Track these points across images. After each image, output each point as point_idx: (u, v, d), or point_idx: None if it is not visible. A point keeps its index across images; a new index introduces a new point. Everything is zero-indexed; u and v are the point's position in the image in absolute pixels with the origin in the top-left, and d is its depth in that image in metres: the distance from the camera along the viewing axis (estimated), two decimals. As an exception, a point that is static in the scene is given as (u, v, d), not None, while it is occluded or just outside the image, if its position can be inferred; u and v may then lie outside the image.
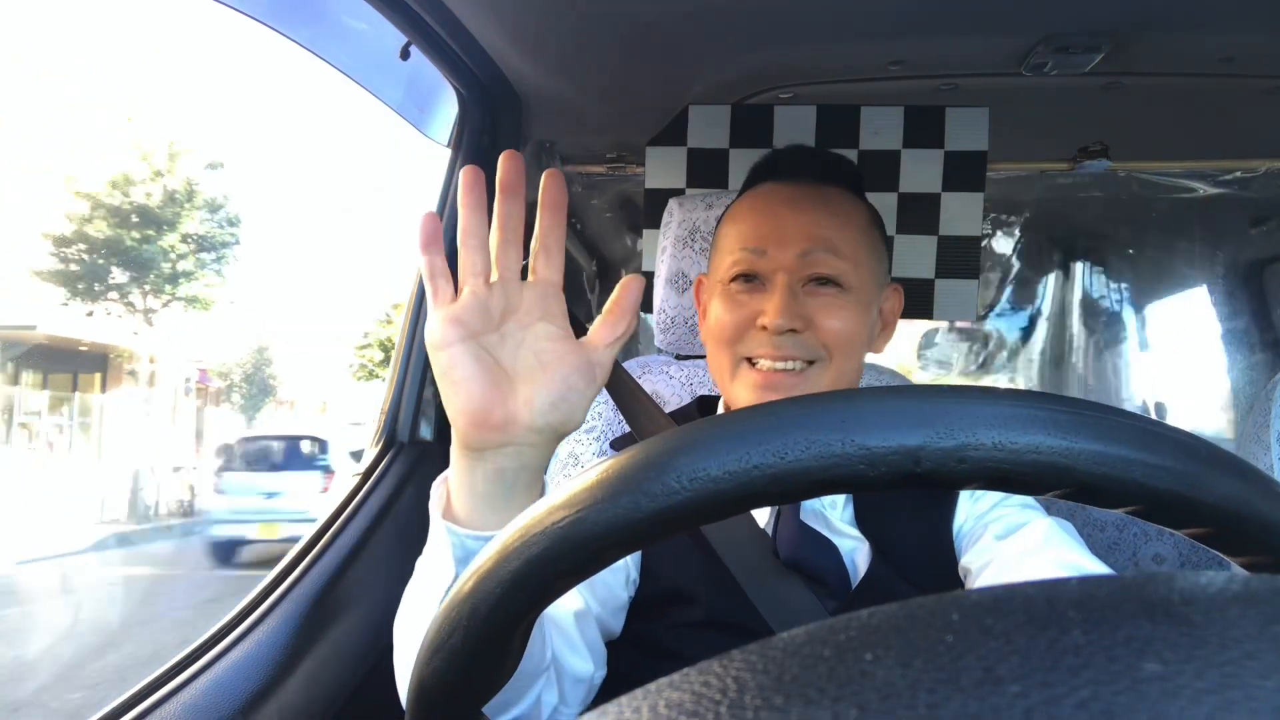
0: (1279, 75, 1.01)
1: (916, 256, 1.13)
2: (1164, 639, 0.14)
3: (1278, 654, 0.14)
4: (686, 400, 0.97)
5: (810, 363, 0.74)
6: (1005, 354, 2.30)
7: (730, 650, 0.17)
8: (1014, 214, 1.79)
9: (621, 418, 0.99)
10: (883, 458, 0.27)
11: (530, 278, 0.53)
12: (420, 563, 0.53)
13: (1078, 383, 2.08)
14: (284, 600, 0.86)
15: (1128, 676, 0.13)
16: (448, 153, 1.14)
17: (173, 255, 12.38)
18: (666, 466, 0.27)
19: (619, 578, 0.75)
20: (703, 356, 1.05)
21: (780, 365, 0.74)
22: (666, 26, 0.92)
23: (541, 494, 0.52)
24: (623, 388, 0.92)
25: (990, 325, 2.26)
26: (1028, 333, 2.16)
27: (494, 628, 0.30)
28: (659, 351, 1.12)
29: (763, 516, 0.77)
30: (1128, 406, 2.03)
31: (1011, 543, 0.70)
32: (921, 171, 1.12)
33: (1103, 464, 0.27)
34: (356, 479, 1.05)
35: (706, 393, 0.97)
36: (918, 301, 1.13)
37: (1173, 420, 2.14)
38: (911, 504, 0.76)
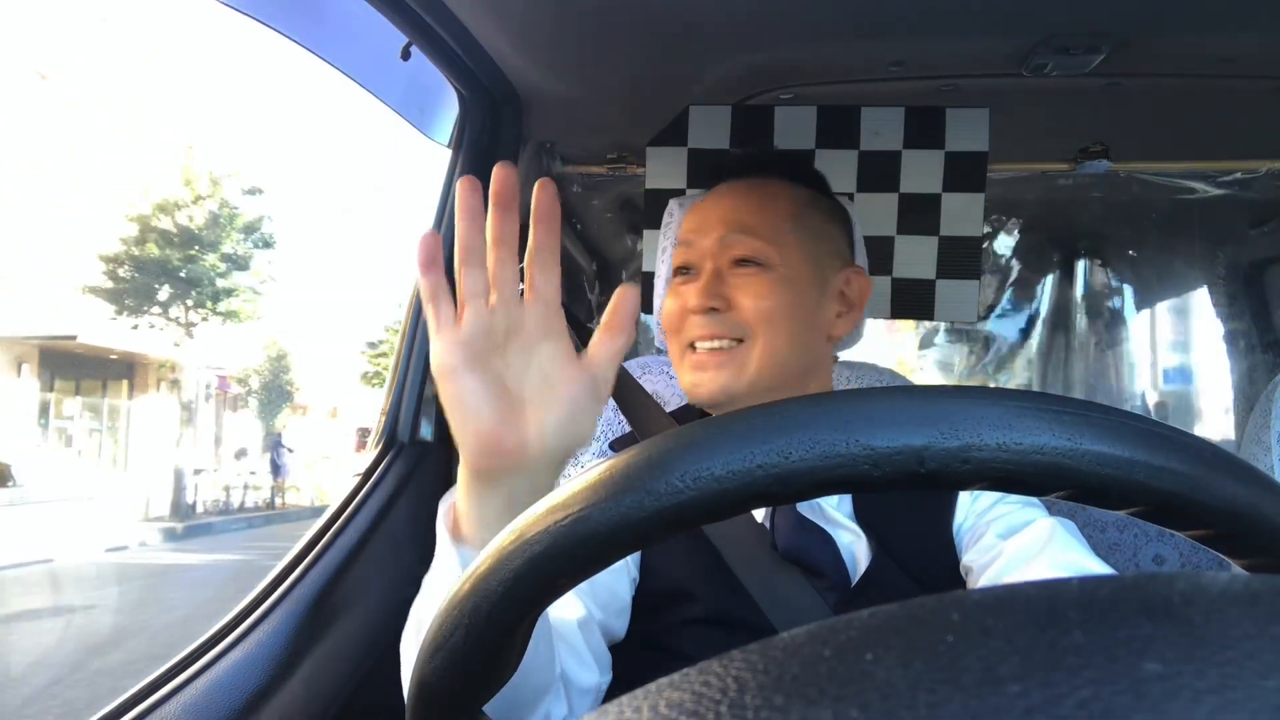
0: None
1: (917, 257, 1.13)
2: (1164, 639, 0.14)
3: (1278, 654, 0.14)
4: (686, 400, 0.97)
5: (739, 340, 0.77)
6: (1005, 355, 2.30)
7: (730, 648, 0.17)
8: (1014, 215, 1.79)
9: (621, 418, 0.99)
10: (887, 458, 0.27)
11: (527, 295, 0.51)
12: (428, 580, 0.53)
13: (1077, 383, 2.08)
14: (284, 600, 0.86)
15: (1128, 676, 0.13)
16: (448, 153, 1.14)
17: (214, 274, 13.54)
18: (670, 465, 0.27)
19: (620, 579, 0.75)
20: (703, 357, 1.06)
21: (710, 345, 0.78)
22: (667, 27, 0.92)
23: None
24: (624, 388, 0.93)
25: (990, 326, 2.26)
26: (1027, 333, 2.16)
27: (496, 626, 0.30)
28: (659, 352, 1.12)
29: (760, 510, 0.77)
30: (1127, 407, 2.03)
31: (1014, 542, 0.70)
32: (922, 172, 1.12)
33: (1106, 465, 0.27)
34: (357, 479, 1.05)
35: None
36: (918, 302, 1.13)
37: (1173, 421, 2.14)
38: (912, 498, 0.76)
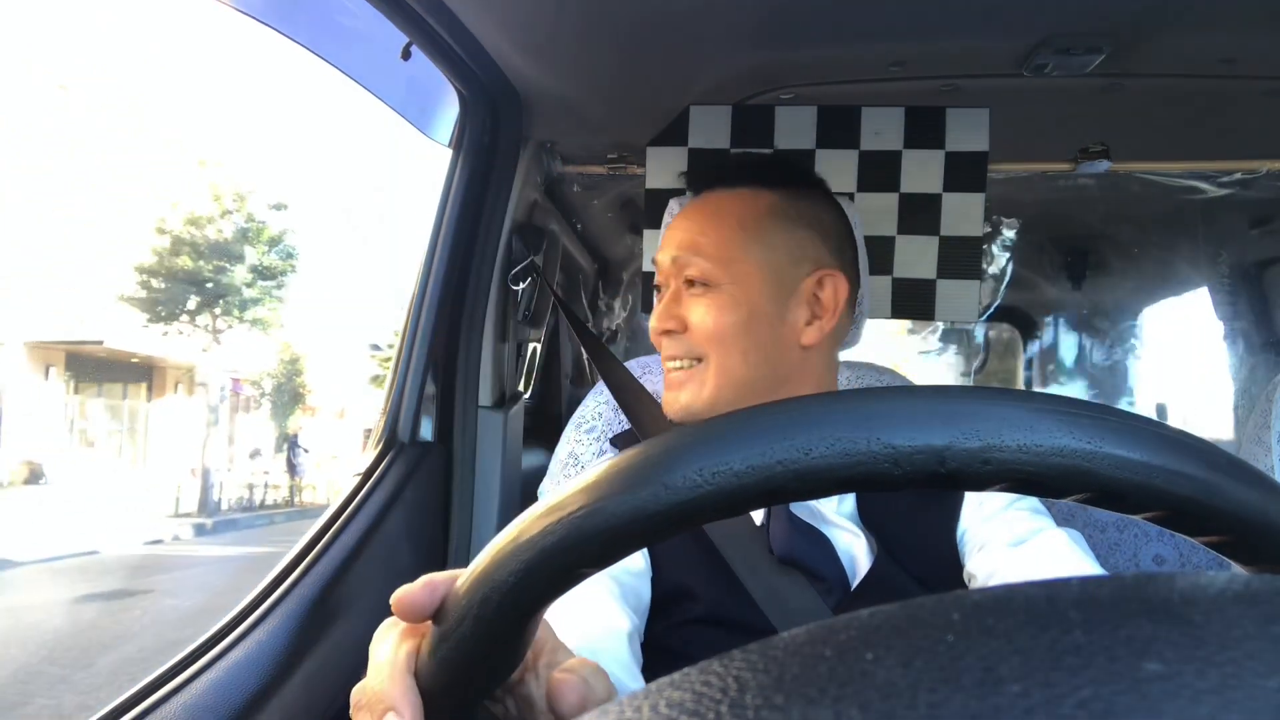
0: (1280, 76, 1.01)
1: (917, 257, 1.13)
2: (1165, 639, 0.14)
3: (1278, 654, 0.14)
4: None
5: (699, 360, 0.78)
6: (1005, 355, 2.30)
7: (730, 649, 0.17)
8: (1014, 215, 1.79)
9: (621, 417, 0.99)
10: (908, 457, 0.27)
11: None
12: None
13: (1077, 384, 2.08)
14: (284, 600, 0.86)
15: (1129, 676, 0.13)
16: (448, 153, 1.14)
17: (241, 285, 14.28)
18: (689, 459, 0.27)
19: (644, 581, 0.75)
20: (703, 357, 1.06)
21: (675, 364, 0.80)
22: (667, 27, 0.92)
23: None
24: (624, 387, 0.93)
25: (990, 326, 2.26)
26: (1027, 334, 2.16)
27: (505, 617, 0.29)
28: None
29: (757, 512, 0.77)
30: (1127, 407, 2.03)
31: (1023, 552, 0.70)
32: (922, 172, 1.12)
33: (1125, 469, 0.27)
34: (357, 479, 1.05)
35: None
36: (919, 302, 1.13)
37: (1172, 421, 2.14)
38: (916, 499, 0.76)
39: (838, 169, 1.11)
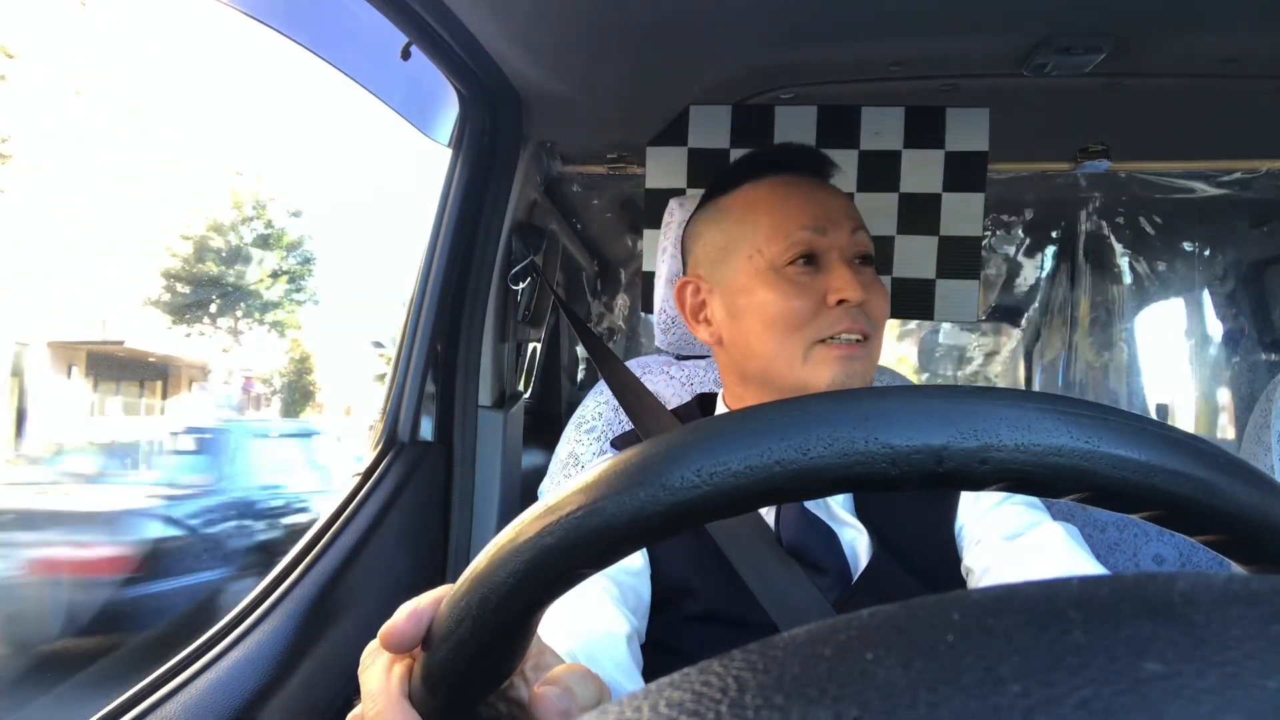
0: (1280, 76, 1.01)
1: (917, 257, 1.13)
2: (1165, 639, 0.14)
3: (1278, 654, 0.14)
4: (687, 400, 0.98)
5: (865, 337, 0.76)
6: (1005, 355, 2.30)
7: (730, 646, 0.17)
8: (1014, 214, 1.79)
9: (621, 417, 0.99)
10: (906, 457, 0.26)
11: None
12: None
13: (1076, 384, 2.08)
14: (284, 600, 0.86)
15: (1128, 676, 0.13)
16: (449, 153, 1.14)
17: (262, 289, 15.16)
18: (687, 459, 0.27)
19: (643, 580, 0.75)
20: (703, 357, 1.05)
21: (854, 337, 0.75)
22: (667, 27, 0.92)
23: None
24: (626, 387, 0.92)
25: (990, 326, 2.26)
26: (1027, 334, 2.16)
27: (504, 618, 0.29)
28: (659, 352, 1.12)
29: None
30: (1127, 407, 2.03)
31: (1019, 546, 0.70)
32: (922, 172, 1.12)
33: (1124, 469, 0.27)
34: (357, 479, 1.05)
35: (706, 393, 0.97)
36: (919, 302, 1.13)
37: (1172, 421, 2.14)
38: (914, 496, 0.76)
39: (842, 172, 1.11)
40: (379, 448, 1.09)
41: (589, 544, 0.27)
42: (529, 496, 1.22)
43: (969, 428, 0.27)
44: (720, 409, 0.87)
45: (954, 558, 0.75)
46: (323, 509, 1.01)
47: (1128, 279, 1.96)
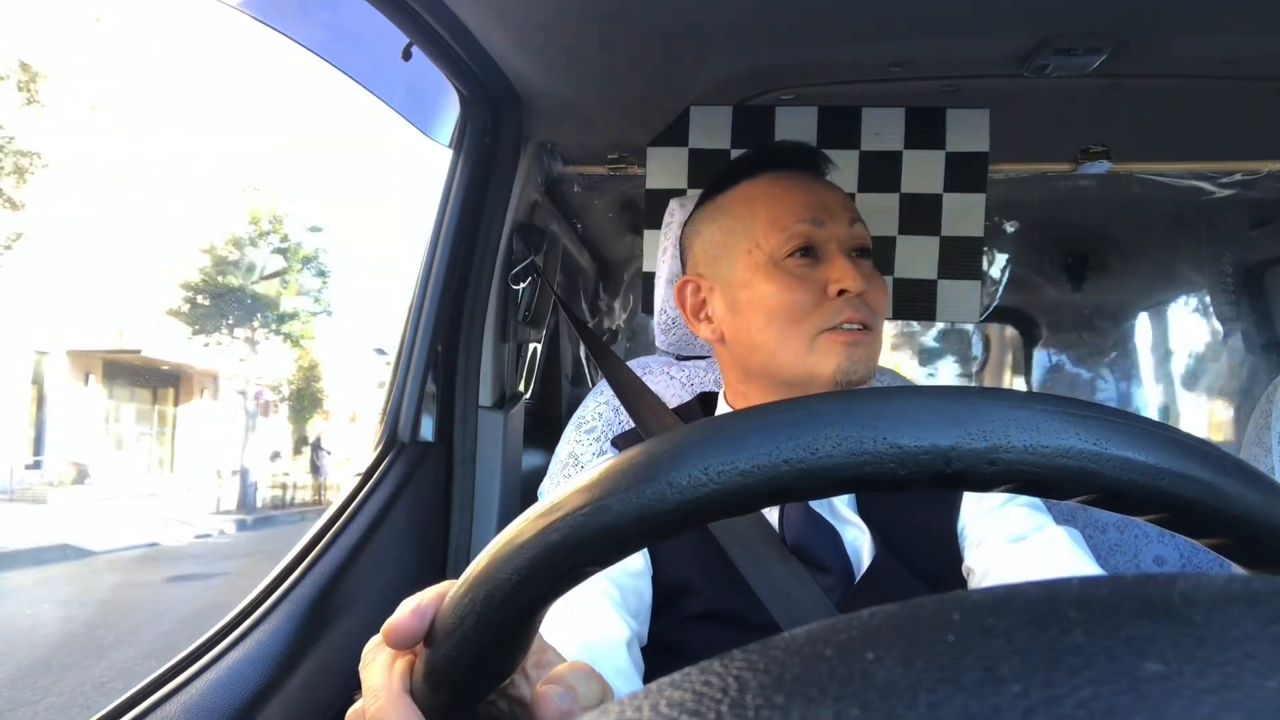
0: (1280, 77, 1.01)
1: (918, 257, 1.13)
2: (1165, 639, 0.14)
3: (1278, 654, 0.14)
4: (683, 402, 0.98)
5: (866, 327, 0.76)
6: (1005, 356, 2.30)
7: (731, 645, 0.17)
8: (1015, 215, 1.79)
9: (621, 417, 0.99)
10: (914, 457, 0.26)
11: None
12: None
13: (1076, 384, 2.08)
14: (284, 600, 0.86)
15: (1129, 676, 0.13)
16: (449, 153, 1.14)
17: (279, 301, 15.72)
18: (694, 457, 0.27)
19: (644, 581, 0.75)
20: (703, 357, 1.05)
21: (854, 327, 0.75)
22: (668, 27, 0.92)
23: None
24: (628, 386, 0.92)
25: (990, 327, 2.26)
26: (1027, 335, 2.16)
27: (508, 615, 0.29)
28: (659, 352, 1.12)
29: None
30: (1129, 408, 2.02)
31: (1022, 549, 0.70)
32: (923, 172, 1.12)
33: (1131, 471, 0.27)
34: (358, 479, 1.05)
35: (707, 391, 0.97)
36: (920, 302, 1.13)
37: (1173, 422, 2.14)
38: (916, 495, 0.76)
39: (838, 169, 1.11)
40: (379, 448, 1.09)
41: (594, 542, 0.27)
42: (529, 497, 1.22)
43: (977, 429, 0.27)
44: (722, 407, 0.87)
45: (956, 557, 0.75)
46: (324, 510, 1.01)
47: (1128, 280, 1.96)
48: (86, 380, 14.53)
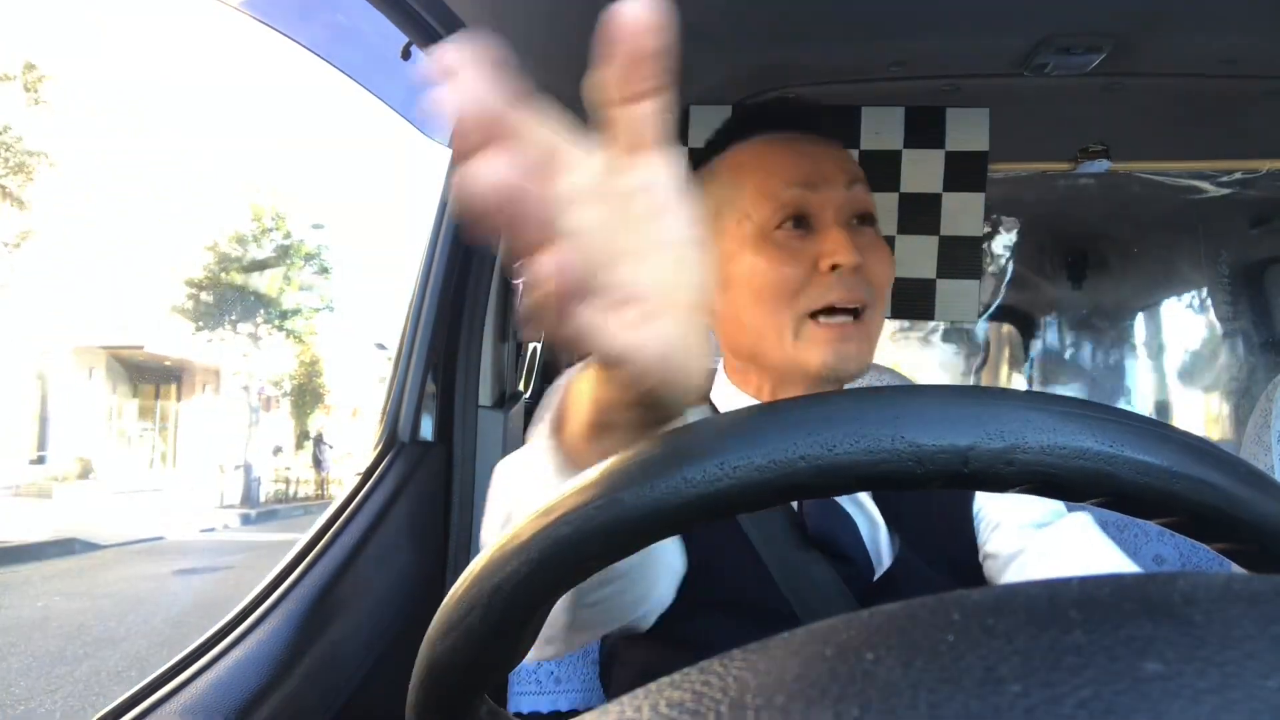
0: (1280, 76, 1.01)
1: (918, 256, 1.13)
2: (1165, 639, 0.14)
3: (1278, 654, 0.14)
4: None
5: (865, 307, 0.69)
6: (1004, 355, 2.30)
7: (749, 634, 0.17)
8: (1014, 214, 1.79)
9: None
10: (932, 456, 0.26)
11: None
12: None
13: (1077, 384, 2.08)
14: (284, 600, 0.86)
15: (1129, 676, 0.13)
16: (448, 153, 1.14)
17: (281, 298, 16.01)
18: (711, 452, 0.26)
19: (678, 553, 0.68)
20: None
21: (850, 307, 0.68)
22: (667, 27, 0.92)
23: None
24: None
25: (990, 326, 2.26)
26: (1027, 334, 2.16)
27: (516, 607, 0.29)
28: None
29: None
30: (1128, 407, 2.02)
31: (1050, 536, 0.69)
32: (922, 172, 1.12)
33: (1146, 475, 0.27)
34: (358, 479, 1.05)
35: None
36: (919, 301, 1.13)
37: (1173, 421, 2.14)
38: None
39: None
40: (379, 447, 1.09)
41: (607, 535, 0.27)
42: (529, 496, 1.22)
43: (995, 429, 0.26)
44: (720, 383, 0.80)
45: (973, 544, 0.74)
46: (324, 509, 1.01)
47: (1128, 279, 1.96)
48: (90, 376, 14.59)
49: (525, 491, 0.43)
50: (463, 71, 0.28)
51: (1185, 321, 2.01)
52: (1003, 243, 1.89)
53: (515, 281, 1.20)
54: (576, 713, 0.91)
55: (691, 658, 0.16)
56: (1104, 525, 1.05)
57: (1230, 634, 0.14)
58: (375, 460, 1.07)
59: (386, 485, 1.03)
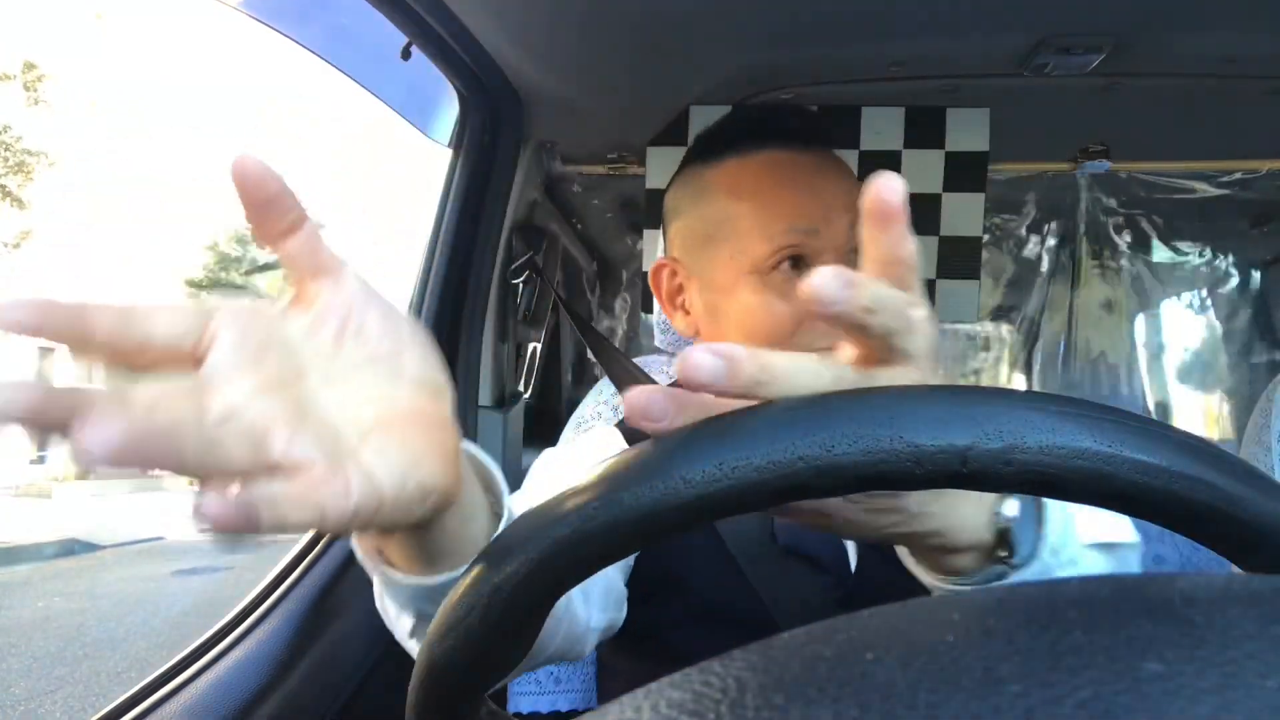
0: (1280, 76, 1.01)
1: (917, 257, 1.13)
2: (1165, 639, 0.14)
3: (1278, 654, 0.14)
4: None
5: None
6: (1004, 356, 2.30)
7: (726, 640, 0.17)
8: (1014, 215, 1.79)
9: (620, 418, 0.99)
10: (930, 456, 0.26)
11: None
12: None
13: (1076, 384, 2.08)
14: (284, 600, 0.86)
15: (1128, 676, 0.13)
16: (448, 153, 1.14)
17: (280, 297, 16.13)
18: (709, 452, 0.26)
19: (616, 572, 0.73)
20: (703, 357, 1.05)
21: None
22: (667, 27, 0.92)
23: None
24: (632, 381, 0.92)
25: (989, 326, 2.26)
26: (1026, 334, 2.16)
27: (515, 609, 0.29)
28: (658, 351, 1.12)
29: None
30: (1128, 407, 2.02)
31: None
32: (922, 172, 1.12)
33: (1146, 475, 0.27)
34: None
35: None
36: (918, 302, 1.13)
37: (1174, 421, 2.14)
38: None
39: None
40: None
41: (606, 536, 0.27)
42: (529, 496, 1.22)
43: (994, 429, 0.26)
44: None
45: None
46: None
47: (1127, 279, 1.96)
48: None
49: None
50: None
51: (1184, 322, 2.00)
52: (1002, 243, 1.89)
53: (515, 282, 1.20)
54: (577, 713, 0.91)
55: (674, 666, 0.16)
56: (1104, 525, 1.06)
57: (1230, 634, 0.14)
58: (375, 460, 1.07)
59: (386, 485, 1.03)
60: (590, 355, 1.76)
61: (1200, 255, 1.80)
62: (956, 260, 1.12)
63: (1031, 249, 1.92)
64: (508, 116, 1.12)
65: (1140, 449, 0.27)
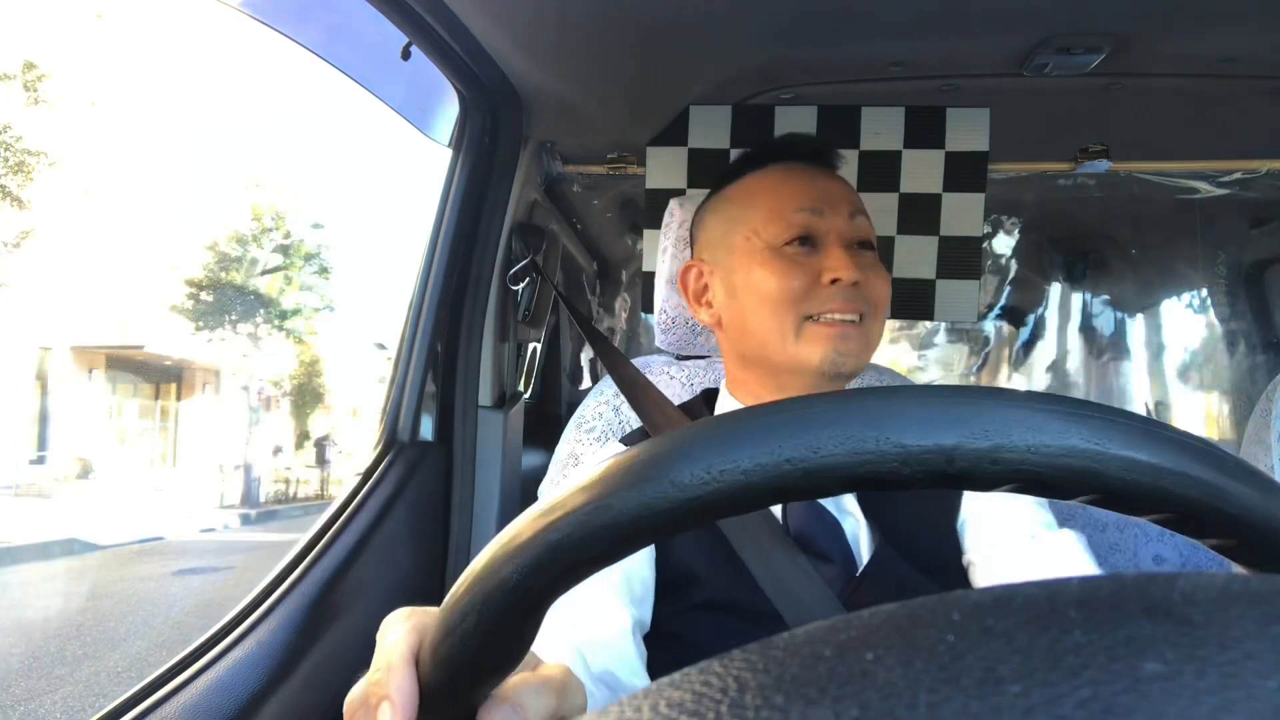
0: (1280, 76, 1.01)
1: (917, 257, 1.13)
2: (1165, 639, 0.14)
3: (1278, 654, 0.14)
4: (685, 400, 0.98)
5: (863, 316, 0.77)
6: (1004, 355, 2.30)
7: (735, 634, 0.17)
8: (1014, 215, 1.79)
9: (622, 417, 0.99)
10: (917, 456, 0.26)
11: None
12: None
13: (1076, 384, 2.08)
14: (284, 600, 0.86)
15: (1129, 676, 0.13)
16: (448, 153, 1.14)
17: (281, 297, 16.23)
18: (697, 456, 0.27)
19: (646, 566, 0.74)
20: (703, 357, 1.05)
21: (847, 317, 0.76)
22: (667, 27, 0.92)
23: None
24: (632, 382, 0.93)
25: (989, 326, 2.26)
26: (1027, 334, 2.16)
27: (510, 613, 0.29)
28: (659, 352, 1.12)
29: None
30: (1128, 407, 2.02)
31: (1033, 550, 0.70)
32: (922, 172, 1.12)
33: (1134, 471, 0.27)
34: (358, 479, 1.05)
35: (711, 388, 0.97)
36: (918, 302, 1.13)
37: (1173, 421, 2.14)
38: None
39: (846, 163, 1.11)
40: (379, 448, 1.09)
41: (596, 540, 0.27)
42: (529, 497, 1.22)
43: (980, 428, 0.26)
44: (724, 399, 0.87)
45: (956, 548, 0.75)
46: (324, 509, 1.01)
47: (1127, 279, 1.96)
48: (90, 376, 14.62)
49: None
50: None
51: (1184, 322, 2.01)
52: (1002, 243, 1.90)
53: (514, 287, 1.20)
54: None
55: (681, 662, 0.16)
56: (1104, 525, 1.06)
57: (1230, 634, 0.14)
58: (375, 460, 1.07)
59: (386, 485, 1.03)
60: (590, 355, 1.77)
61: (1200, 255, 1.80)
62: (956, 260, 1.12)
63: (1030, 249, 1.92)
64: (508, 116, 1.12)
65: (1128, 446, 0.27)
